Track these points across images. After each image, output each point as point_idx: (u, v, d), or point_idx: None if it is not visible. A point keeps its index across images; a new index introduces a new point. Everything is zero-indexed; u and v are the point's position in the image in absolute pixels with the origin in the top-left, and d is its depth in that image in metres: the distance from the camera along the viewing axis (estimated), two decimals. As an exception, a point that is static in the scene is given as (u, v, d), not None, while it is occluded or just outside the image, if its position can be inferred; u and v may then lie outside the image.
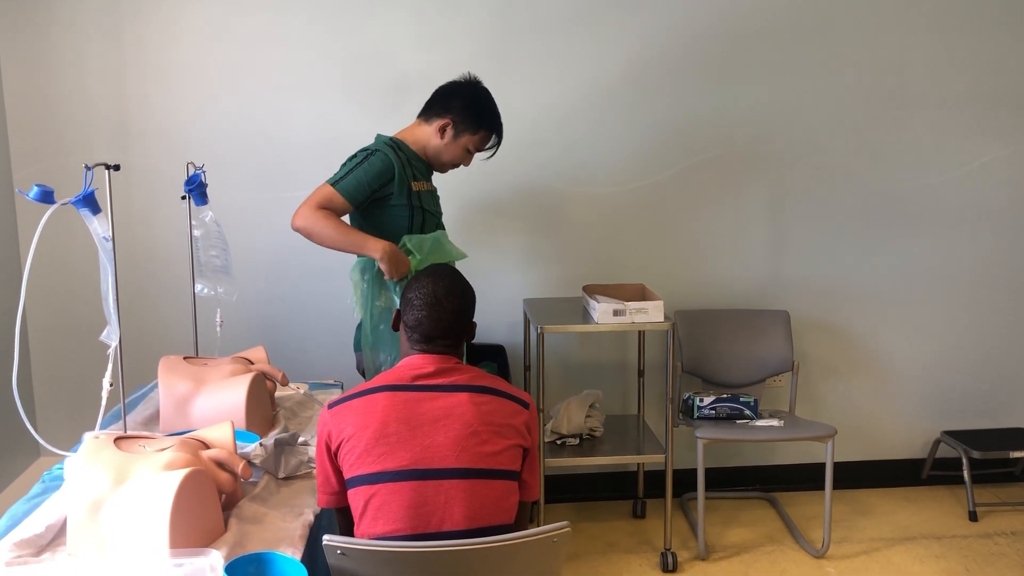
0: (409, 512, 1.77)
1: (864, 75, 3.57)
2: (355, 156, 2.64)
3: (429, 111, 2.75)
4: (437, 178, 2.88)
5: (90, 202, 1.95)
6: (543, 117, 3.47)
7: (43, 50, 3.27)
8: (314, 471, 2.13)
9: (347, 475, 1.84)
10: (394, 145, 2.67)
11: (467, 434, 1.82)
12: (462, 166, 2.82)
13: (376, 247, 2.53)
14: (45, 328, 3.41)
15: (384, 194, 2.63)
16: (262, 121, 3.38)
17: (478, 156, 2.82)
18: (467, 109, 2.70)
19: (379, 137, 2.73)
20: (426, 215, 2.71)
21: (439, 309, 1.94)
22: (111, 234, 1.99)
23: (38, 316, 3.39)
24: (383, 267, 2.53)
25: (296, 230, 2.57)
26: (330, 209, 2.55)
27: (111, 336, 2.03)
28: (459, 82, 2.76)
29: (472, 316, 2.03)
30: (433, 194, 2.82)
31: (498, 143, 2.80)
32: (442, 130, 2.70)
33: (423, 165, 2.76)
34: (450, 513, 1.78)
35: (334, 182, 2.58)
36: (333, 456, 1.87)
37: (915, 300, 3.74)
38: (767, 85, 3.54)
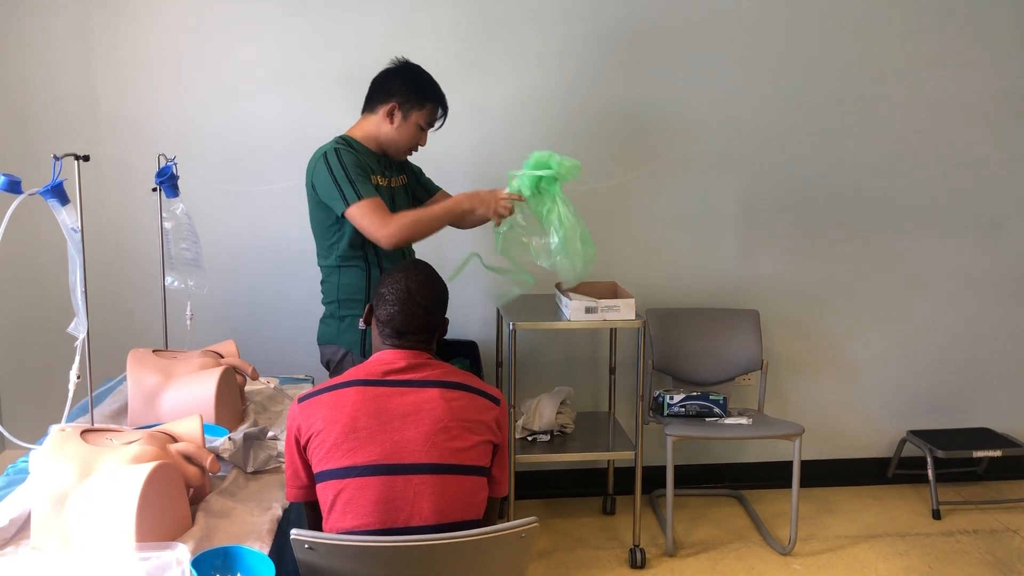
0: (378, 507, 1.77)
1: (835, 76, 3.60)
2: (328, 168, 2.54)
3: (371, 102, 2.72)
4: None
5: (58, 192, 1.93)
6: (515, 113, 3.47)
7: (12, 38, 3.23)
8: (283, 465, 2.13)
9: (316, 469, 1.84)
10: (344, 142, 2.63)
11: (437, 430, 1.83)
12: (419, 147, 2.77)
13: (466, 201, 2.63)
14: (11, 319, 3.37)
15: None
16: (234, 113, 3.35)
17: (429, 132, 2.78)
18: (408, 87, 2.68)
19: (322, 146, 2.66)
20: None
21: (412, 304, 1.95)
22: (80, 225, 1.97)
23: (3, 307, 3.35)
24: (489, 215, 2.64)
25: (395, 247, 2.55)
26: (382, 211, 2.52)
27: (79, 328, 2.01)
28: (391, 67, 2.74)
29: (445, 312, 2.04)
30: (398, 191, 2.78)
31: (444, 114, 2.76)
32: (390, 114, 2.67)
33: (375, 159, 2.71)
34: (419, 508, 1.78)
35: (356, 196, 2.50)
36: (302, 450, 1.87)
37: (883, 301, 3.78)
38: (739, 84, 3.56)
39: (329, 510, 1.81)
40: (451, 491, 1.81)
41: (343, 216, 2.55)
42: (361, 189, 2.52)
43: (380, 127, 2.69)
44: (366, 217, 2.51)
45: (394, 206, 2.67)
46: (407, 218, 2.55)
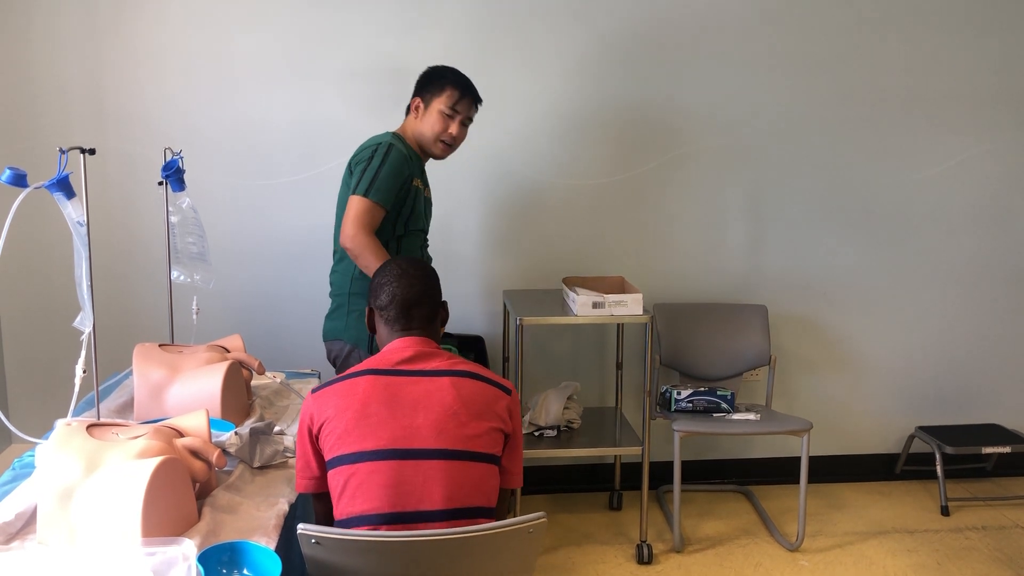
0: (388, 491, 1.77)
1: (843, 73, 3.58)
2: (372, 156, 2.61)
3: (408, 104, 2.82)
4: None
5: (64, 186, 1.92)
6: (525, 108, 3.45)
7: (19, 31, 3.22)
8: (289, 460, 2.13)
9: (327, 456, 1.84)
10: (399, 140, 2.71)
11: (448, 416, 1.83)
12: (454, 139, 2.74)
13: None
14: (17, 314, 3.36)
15: (403, 193, 2.65)
16: (241, 107, 3.34)
17: (465, 121, 2.76)
18: (427, 78, 2.78)
19: (380, 135, 2.74)
20: (412, 218, 2.71)
21: (408, 277, 2.00)
22: (85, 219, 1.96)
23: (10, 301, 3.35)
24: None
25: (344, 249, 2.59)
26: (371, 222, 2.56)
27: (84, 322, 2.00)
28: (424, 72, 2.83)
29: (440, 295, 2.05)
30: (428, 201, 2.85)
31: (468, 96, 2.74)
32: (416, 108, 2.76)
33: (419, 162, 2.78)
34: (429, 493, 1.78)
35: (365, 191, 2.55)
36: (314, 439, 1.87)
37: (891, 296, 3.76)
38: (748, 82, 3.54)
39: (339, 495, 1.81)
40: (461, 477, 1.81)
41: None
42: (377, 194, 2.57)
43: (408, 124, 2.79)
44: (357, 211, 2.55)
45: (425, 214, 2.78)
46: (375, 245, 2.54)
